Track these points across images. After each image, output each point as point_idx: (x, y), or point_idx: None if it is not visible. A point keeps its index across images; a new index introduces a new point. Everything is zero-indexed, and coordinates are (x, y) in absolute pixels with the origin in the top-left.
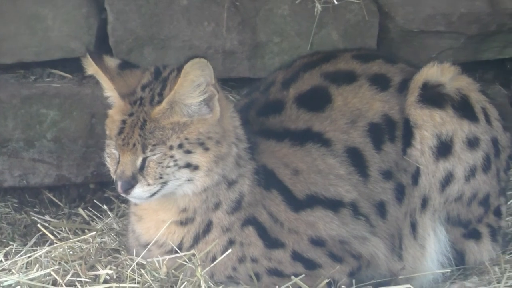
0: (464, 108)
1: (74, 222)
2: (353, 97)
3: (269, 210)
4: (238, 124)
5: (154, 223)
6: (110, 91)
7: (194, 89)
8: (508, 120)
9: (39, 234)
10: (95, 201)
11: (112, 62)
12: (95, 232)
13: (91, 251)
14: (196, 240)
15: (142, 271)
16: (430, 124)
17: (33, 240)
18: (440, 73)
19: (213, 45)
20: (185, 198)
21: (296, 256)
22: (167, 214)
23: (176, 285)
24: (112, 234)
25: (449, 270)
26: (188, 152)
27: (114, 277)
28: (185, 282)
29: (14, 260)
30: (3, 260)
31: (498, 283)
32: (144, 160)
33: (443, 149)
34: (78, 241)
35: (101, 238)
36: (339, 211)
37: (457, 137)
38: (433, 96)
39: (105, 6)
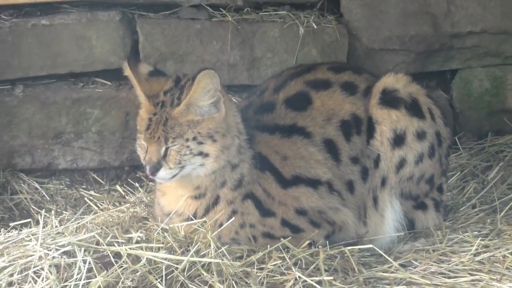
0: (414, 108)
1: (112, 196)
2: (328, 100)
3: (264, 187)
4: (239, 120)
5: (175, 197)
6: (138, 92)
7: (205, 94)
8: (448, 118)
9: (85, 205)
10: (129, 180)
11: (145, 68)
12: (129, 204)
13: (126, 218)
14: (207, 210)
15: (166, 234)
16: (388, 121)
17: (81, 210)
18: (395, 81)
19: (220, 59)
20: (198, 178)
21: (285, 223)
22: (185, 190)
23: (191, 245)
24: (142, 205)
25: (403, 234)
26: (200, 143)
27: (144, 238)
28: (199, 243)
29: (66, 225)
30: (58, 225)
31: (440, 243)
32: (167, 149)
33: (398, 140)
34: (116, 211)
35: (134, 208)
36: (318, 188)
37: (408, 131)
38: (390, 99)
39: (137, 29)
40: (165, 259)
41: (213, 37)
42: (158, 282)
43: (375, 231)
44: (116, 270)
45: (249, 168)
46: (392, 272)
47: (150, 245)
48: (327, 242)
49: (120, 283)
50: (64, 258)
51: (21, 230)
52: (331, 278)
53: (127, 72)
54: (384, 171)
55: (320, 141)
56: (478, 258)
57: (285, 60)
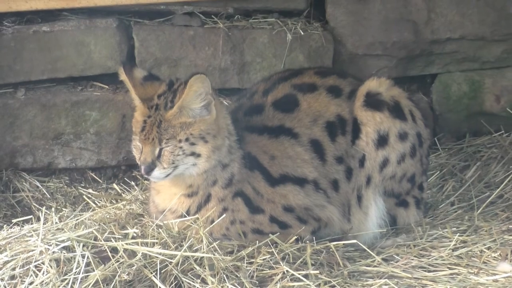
0: (396, 111)
1: (110, 194)
2: (314, 102)
3: (253, 186)
4: (229, 122)
5: (168, 195)
6: (133, 95)
7: (196, 97)
8: (428, 120)
9: (84, 203)
10: (125, 178)
11: (139, 73)
12: (126, 201)
13: (122, 215)
14: (199, 208)
15: (160, 230)
16: (372, 122)
17: (80, 207)
18: (378, 85)
19: (212, 64)
20: (191, 177)
21: (273, 219)
22: (178, 189)
23: (184, 241)
24: (138, 203)
25: (385, 230)
26: (192, 144)
27: (139, 234)
28: (191, 239)
29: (66, 222)
30: (58, 222)
31: (420, 239)
32: (161, 150)
33: (382, 141)
34: (113, 208)
35: (130, 206)
36: (304, 186)
37: (391, 132)
38: (374, 102)
39: (133, 36)
40: (160, 254)
41: (205, 43)
42: (153, 275)
43: (359, 227)
44: (113, 264)
45: (239, 168)
46: (375, 266)
47: (145, 240)
48: (314, 237)
49: (117, 276)
50: (64, 253)
51: (23, 226)
52: (317, 272)
53: (123, 77)
54: (368, 170)
55: (307, 141)
56: (456, 253)
57: (274, 65)
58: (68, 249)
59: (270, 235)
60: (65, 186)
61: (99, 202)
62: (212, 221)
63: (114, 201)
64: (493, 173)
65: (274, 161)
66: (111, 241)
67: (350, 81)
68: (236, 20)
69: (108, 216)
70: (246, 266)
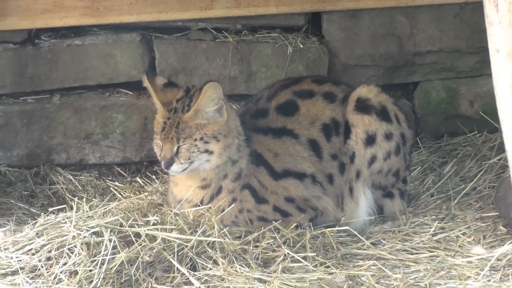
0: (383, 114)
1: (133, 186)
2: (312, 107)
3: (259, 179)
4: (238, 124)
5: (185, 187)
6: (154, 100)
7: (210, 101)
8: (411, 122)
9: (111, 194)
10: (147, 173)
11: (160, 81)
12: (147, 192)
13: (145, 205)
14: (211, 198)
15: (177, 218)
16: (361, 124)
17: (107, 197)
18: (368, 91)
19: (222, 73)
20: (204, 172)
21: (276, 209)
22: (193, 181)
23: (198, 227)
24: (158, 194)
25: (373, 218)
26: (206, 142)
27: (159, 221)
28: (205, 225)
29: (95, 210)
30: (89, 210)
31: (404, 225)
32: (178, 148)
33: (370, 140)
34: (136, 198)
35: (151, 196)
36: (303, 180)
37: (378, 132)
38: (363, 106)
39: (154, 48)
40: (177, 238)
41: (216, 55)
42: (171, 257)
43: (351, 215)
44: (136, 247)
45: (247, 163)
46: (365, 249)
47: (164, 226)
48: (311, 224)
49: (140, 258)
50: (93, 238)
51: (58, 214)
52: (314, 254)
53: (146, 83)
54: (358, 166)
55: (305, 141)
56: (435, 238)
57: (276, 74)
58: (97, 234)
59: (273, 222)
60: (95, 180)
61: (124, 194)
62: (223, 210)
63: (137, 193)
64: (467, 169)
65: (277, 158)
66: (134, 227)
67: (343, 88)
68: (243, 35)
69: (132, 206)
70: (252, 249)
